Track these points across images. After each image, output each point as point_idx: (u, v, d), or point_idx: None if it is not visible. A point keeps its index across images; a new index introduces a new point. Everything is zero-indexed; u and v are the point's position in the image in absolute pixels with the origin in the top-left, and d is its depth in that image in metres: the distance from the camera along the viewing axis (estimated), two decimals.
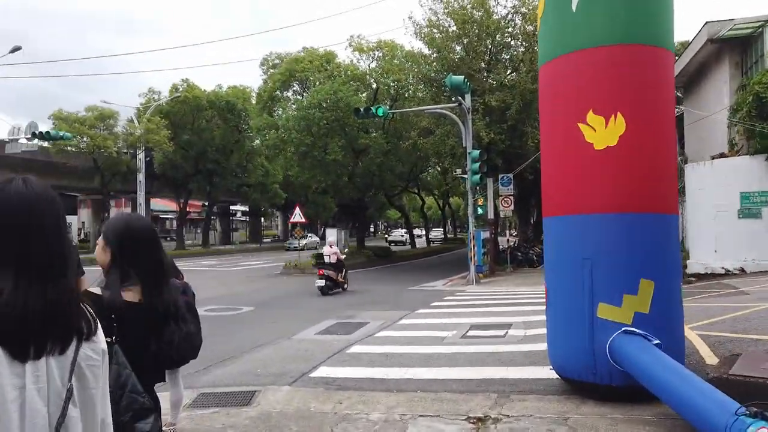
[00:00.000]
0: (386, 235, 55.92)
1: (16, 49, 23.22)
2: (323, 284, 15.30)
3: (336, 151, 23.16)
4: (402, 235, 51.12)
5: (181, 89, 35.34)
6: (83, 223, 54.31)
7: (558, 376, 5.73)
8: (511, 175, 21.44)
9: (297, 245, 36.67)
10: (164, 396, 5.72)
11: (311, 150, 23.26)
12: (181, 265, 22.80)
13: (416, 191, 42.34)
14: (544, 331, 6.07)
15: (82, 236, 51.84)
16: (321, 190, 31.88)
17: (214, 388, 6.55)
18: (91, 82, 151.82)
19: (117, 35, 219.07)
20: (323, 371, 7.06)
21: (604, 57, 5.23)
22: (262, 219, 75.16)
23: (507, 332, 9.08)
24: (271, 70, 25.65)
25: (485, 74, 21.71)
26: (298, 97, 24.82)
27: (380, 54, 26.33)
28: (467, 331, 9.28)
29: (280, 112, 24.10)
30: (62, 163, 32.58)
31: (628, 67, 5.20)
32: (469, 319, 10.47)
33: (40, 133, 22.57)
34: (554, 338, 5.64)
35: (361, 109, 19.38)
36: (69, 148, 29.13)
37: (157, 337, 2.32)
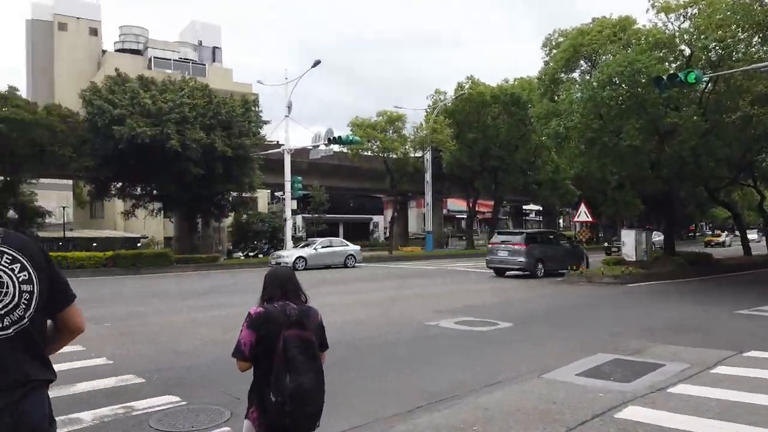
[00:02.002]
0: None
1: (317, 63, 25.60)
2: None
3: (632, 135, 19.01)
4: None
5: (465, 87, 34.97)
6: (389, 222, 59.49)
7: None
8: None
9: (287, 259, 22.68)
10: None
11: (600, 135, 19.59)
12: (463, 264, 21.38)
13: (752, 183, 33.35)
14: None
15: (387, 234, 56.76)
16: (617, 185, 27.35)
17: None
18: (393, 91, 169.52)
19: (405, 48, 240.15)
20: None
21: None
22: (560, 219, 71.36)
23: None
24: (554, 51, 22.78)
25: None
26: (586, 76, 21.35)
27: (695, 11, 20.83)
28: None
29: (562, 96, 21.07)
30: (363, 167, 35.45)
31: None
32: None
33: (334, 138, 24.40)
34: None
35: (664, 78, 15.17)
36: (363, 152, 31.30)
37: None
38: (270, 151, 28.94)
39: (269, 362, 3.03)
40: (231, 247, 33.68)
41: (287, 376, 2.99)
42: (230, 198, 29.84)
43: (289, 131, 27.01)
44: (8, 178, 25.56)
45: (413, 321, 10.91)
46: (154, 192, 28.27)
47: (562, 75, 22.35)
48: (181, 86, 26.42)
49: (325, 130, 25.10)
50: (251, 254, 29.87)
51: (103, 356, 7.66)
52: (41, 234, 37.63)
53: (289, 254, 24.75)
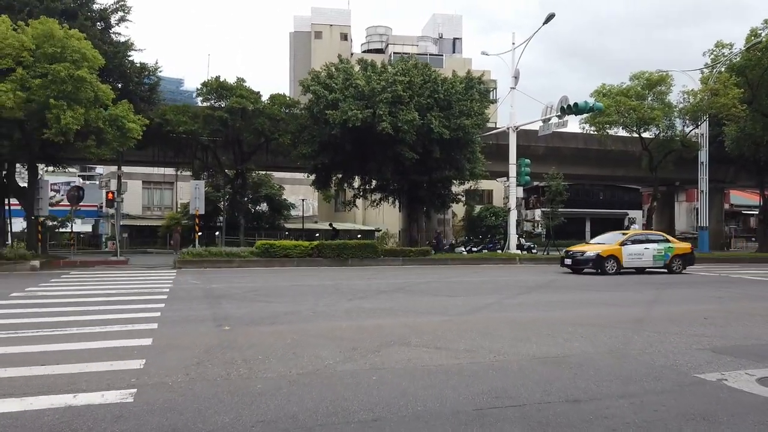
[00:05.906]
0: None
1: (550, 17, 20.97)
2: None
3: None
4: None
5: (763, 34, 25.89)
6: (646, 216, 50.15)
7: None
8: None
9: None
10: None
11: None
12: (753, 271, 13.88)
13: None
14: None
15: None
16: None
17: None
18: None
19: (662, 26, 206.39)
20: None
21: None
22: None
23: None
24: None
25: None
26: None
27: None
28: None
29: None
30: (614, 150, 29.17)
31: None
32: None
33: (569, 106, 19.47)
34: None
35: None
36: (611, 128, 25.15)
37: None
38: (494, 131, 25.14)
39: None
40: (454, 242, 30.88)
41: None
42: (452, 187, 26.96)
43: (517, 108, 22.85)
44: (238, 169, 26.83)
45: (670, 367, 6.12)
46: (373, 182, 26.98)
47: None
48: (396, 64, 24.42)
49: (557, 100, 20.34)
50: (474, 249, 26.56)
51: (135, 387, 5.05)
52: (287, 225, 40.19)
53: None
